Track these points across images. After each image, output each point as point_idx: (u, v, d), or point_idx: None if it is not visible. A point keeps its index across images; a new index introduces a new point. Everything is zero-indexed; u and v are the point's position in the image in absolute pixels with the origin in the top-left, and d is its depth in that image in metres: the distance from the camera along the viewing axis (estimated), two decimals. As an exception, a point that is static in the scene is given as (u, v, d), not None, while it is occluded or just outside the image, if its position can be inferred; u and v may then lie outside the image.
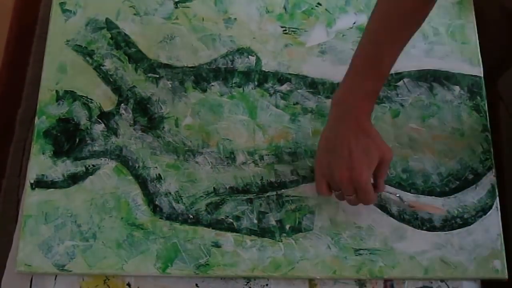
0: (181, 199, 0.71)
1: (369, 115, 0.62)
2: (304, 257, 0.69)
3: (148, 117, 0.74)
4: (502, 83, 0.82)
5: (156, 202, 0.70)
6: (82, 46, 0.76)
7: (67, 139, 0.72)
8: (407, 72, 0.77)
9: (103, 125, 0.73)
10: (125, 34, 0.77)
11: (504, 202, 0.74)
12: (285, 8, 0.80)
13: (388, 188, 0.70)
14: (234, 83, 0.76)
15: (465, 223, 0.71)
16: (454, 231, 0.71)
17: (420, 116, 0.75)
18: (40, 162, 0.71)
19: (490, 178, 0.73)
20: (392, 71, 0.76)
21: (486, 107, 0.76)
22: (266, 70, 0.76)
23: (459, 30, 0.80)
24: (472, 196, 0.72)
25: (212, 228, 0.70)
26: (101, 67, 0.76)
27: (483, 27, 0.80)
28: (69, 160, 0.71)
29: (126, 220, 0.69)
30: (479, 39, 0.79)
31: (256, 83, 0.76)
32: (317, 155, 0.66)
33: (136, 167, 0.72)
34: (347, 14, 0.80)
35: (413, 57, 0.78)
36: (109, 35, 0.77)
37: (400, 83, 0.77)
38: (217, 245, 0.69)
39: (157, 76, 0.75)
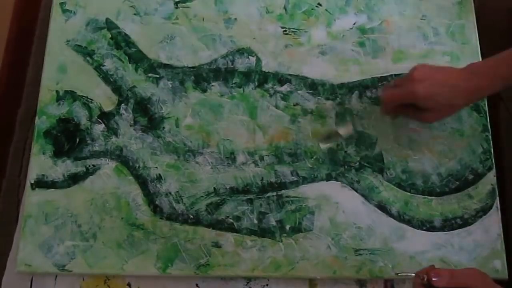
0: (182, 199, 0.71)
1: None
2: (304, 257, 0.69)
3: (148, 117, 0.74)
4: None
5: (157, 202, 0.70)
6: (82, 46, 0.76)
7: (67, 139, 0.72)
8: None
9: (103, 125, 0.73)
10: (125, 34, 0.77)
11: (504, 202, 0.74)
12: (285, 8, 0.80)
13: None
14: (234, 83, 0.76)
15: (465, 223, 0.72)
16: (454, 231, 0.71)
17: (420, 116, 0.75)
18: (40, 162, 0.71)
19: (490, 178, 0.73)
20: (392, 71, 0.77)
21: (486, 107, 0.76)
22: (266, 71, 0.76)
23: (459, 30, 0.80)
24: (472, 196, 0.73)
25: (212, 228, 0.70)
26: (101, 67, 0.76)
27: (486, 27, 0.80)
28: (69, 160, 0.71)
29: (126, 220, 0.69)
30: (480, 39, 0.79)
31: (256, 83, 0.76)
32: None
33: (137, 167, 0.72)
34: (347, 15, 0.80)
35: (413, 57, 0.78)
36: (109, 35, 0.77)
37: (400, 83, 0.76)
38: (217, 245, 0.69)
39: (157, 76, 0.75)
